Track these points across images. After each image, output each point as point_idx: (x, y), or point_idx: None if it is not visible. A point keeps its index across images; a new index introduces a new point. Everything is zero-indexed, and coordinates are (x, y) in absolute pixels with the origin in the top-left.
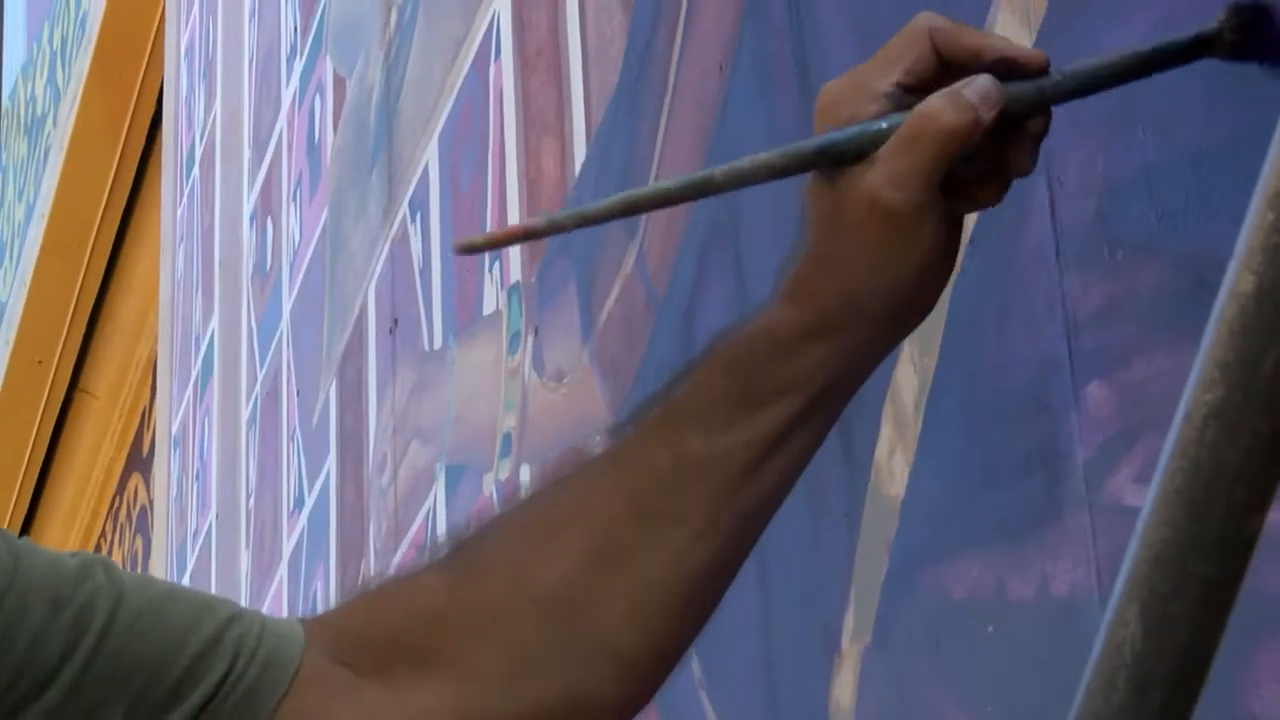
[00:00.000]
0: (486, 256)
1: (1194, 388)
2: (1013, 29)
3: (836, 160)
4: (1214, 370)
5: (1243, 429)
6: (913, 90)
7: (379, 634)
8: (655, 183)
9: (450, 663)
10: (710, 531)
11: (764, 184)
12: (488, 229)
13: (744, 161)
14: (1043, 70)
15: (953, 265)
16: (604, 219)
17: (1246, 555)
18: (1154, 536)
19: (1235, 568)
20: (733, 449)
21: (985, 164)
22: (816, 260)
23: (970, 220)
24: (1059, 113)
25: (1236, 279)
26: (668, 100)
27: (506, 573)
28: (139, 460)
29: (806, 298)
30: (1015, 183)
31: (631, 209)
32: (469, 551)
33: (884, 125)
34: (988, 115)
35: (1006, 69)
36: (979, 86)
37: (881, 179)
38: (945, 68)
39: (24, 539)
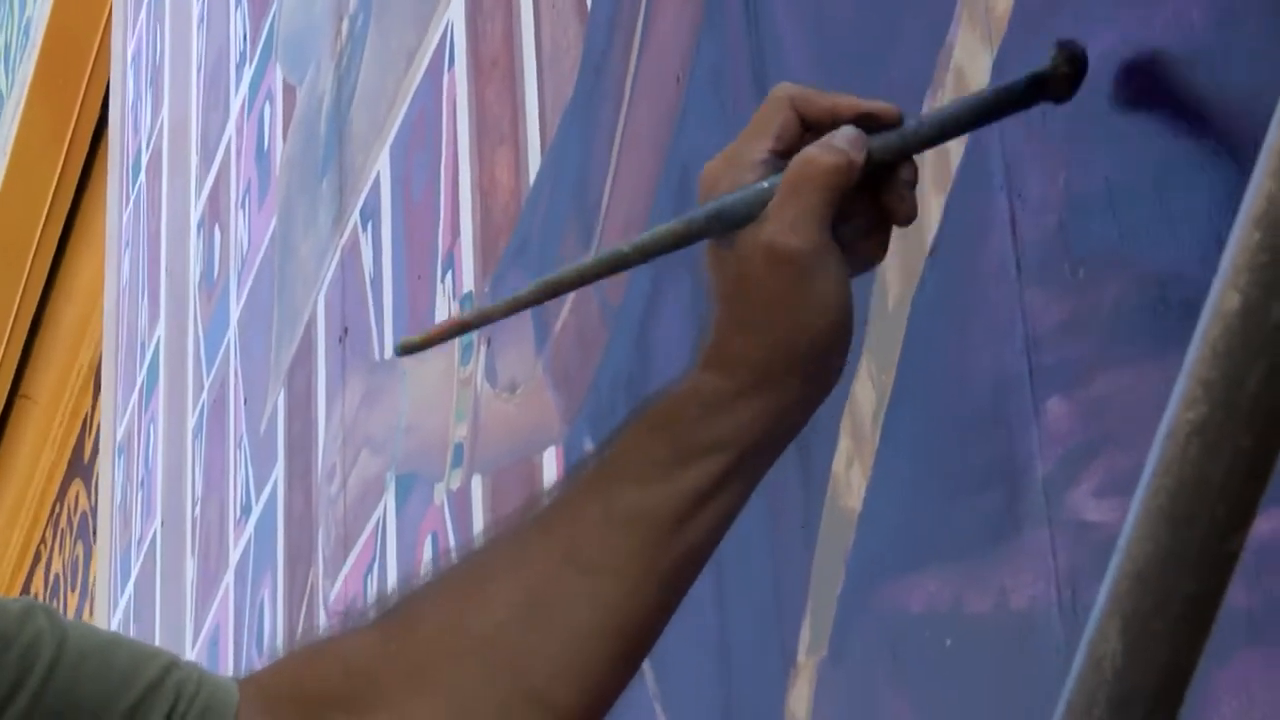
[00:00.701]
0: (439, 266)
1: (1177, 405)
2: (972, 47)
3: (729, 223)
4: (1197, 388)
5: (1226, 446)
6: (784, 155)
7: (311, 689)
8: (573, 263)
9: (385, 710)
10: (642, 582)
11: (670, 254)
12: (440, 238)
13: (646, 235)
14: (898, 121)
15: (852, 320)
16: (531, 303)
17: (1228, 572)
18: (1136, 553)
19: (1216, 584)
20: (663, 502)
21: (865, 221)
22: (729, 324)
23: (930, 233)
24: (1020, 128)
25: (1221, 298)
26: (624, 111)
27: (439, 622)
28: (80, 466)
29: (727, 363)
30: (977, 197)
31: (554, 290)
32: (400, 608)
33: (765, 185)
34: (858, 155)
35: (866, 123)
36: (843, 132)
37: (776, 228)
38: (808, 130)
39: None
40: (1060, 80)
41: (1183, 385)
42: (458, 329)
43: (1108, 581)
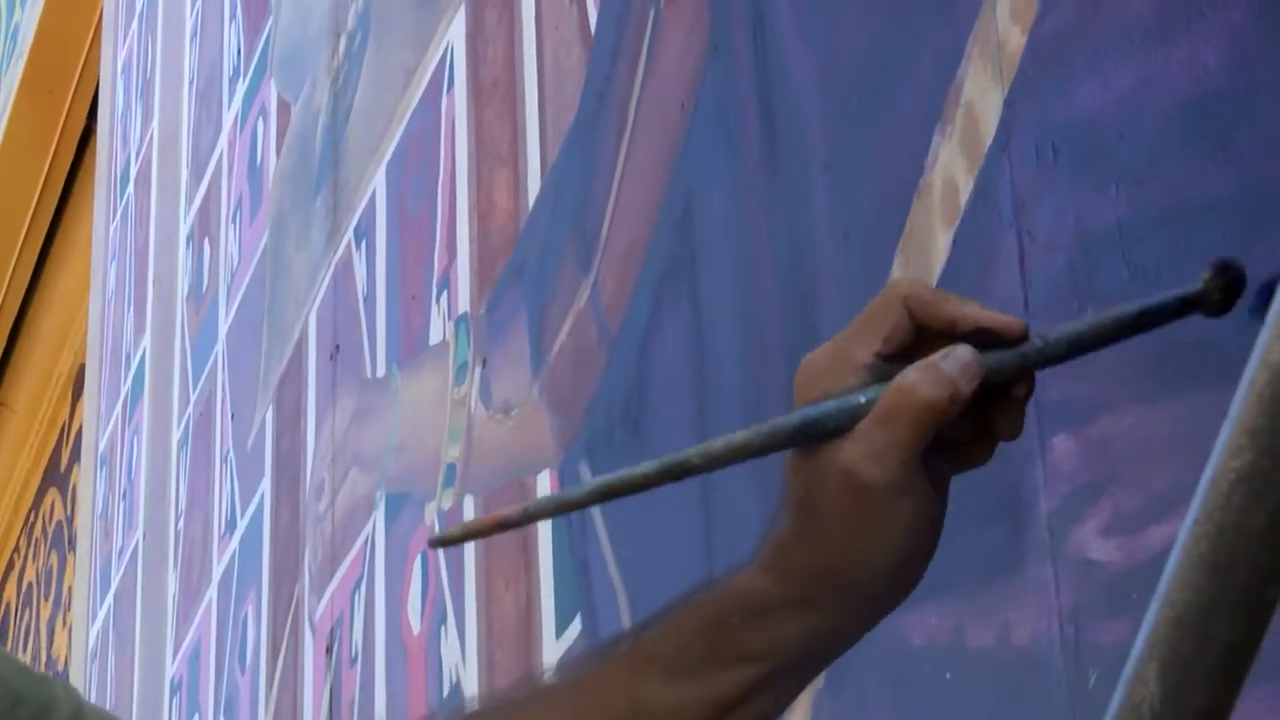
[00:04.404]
0: (434, 286)
1: (1221, 453)
2: (983, 84)
3: (817, 436)
4: (1243, 437)
5: (1270, 495)
6: (892, 359)
7: None
8: (633, 468)
9: None
10: None
11: (742, 463)
12: (436, 258)
13: (719, 442)
14: (1022, 338)
15: (937, 539)
16: (580, 505)
17: (1266, 620)
18: (1176, 598)
19: (1254, 632)
20: (691, 704)
21: (971, 425)
22: (795, 534)
23: (938, 267)
24: (1031, 165)
25: (1268, 348)
26: (627, 136)
27: None
28: (56, 475)
29: (784, 570)
30: (985, 233)
31: (608, 495)
32: None
33: (862, 400)
34: (967, 388)
35: (985, 338)
36: (957, 359)
37: (859, 454)
38: (923, 333)
39: None
40: (1215, 304)
41: (1227, 433)
42: (498, 527)
43: (1146, 625)
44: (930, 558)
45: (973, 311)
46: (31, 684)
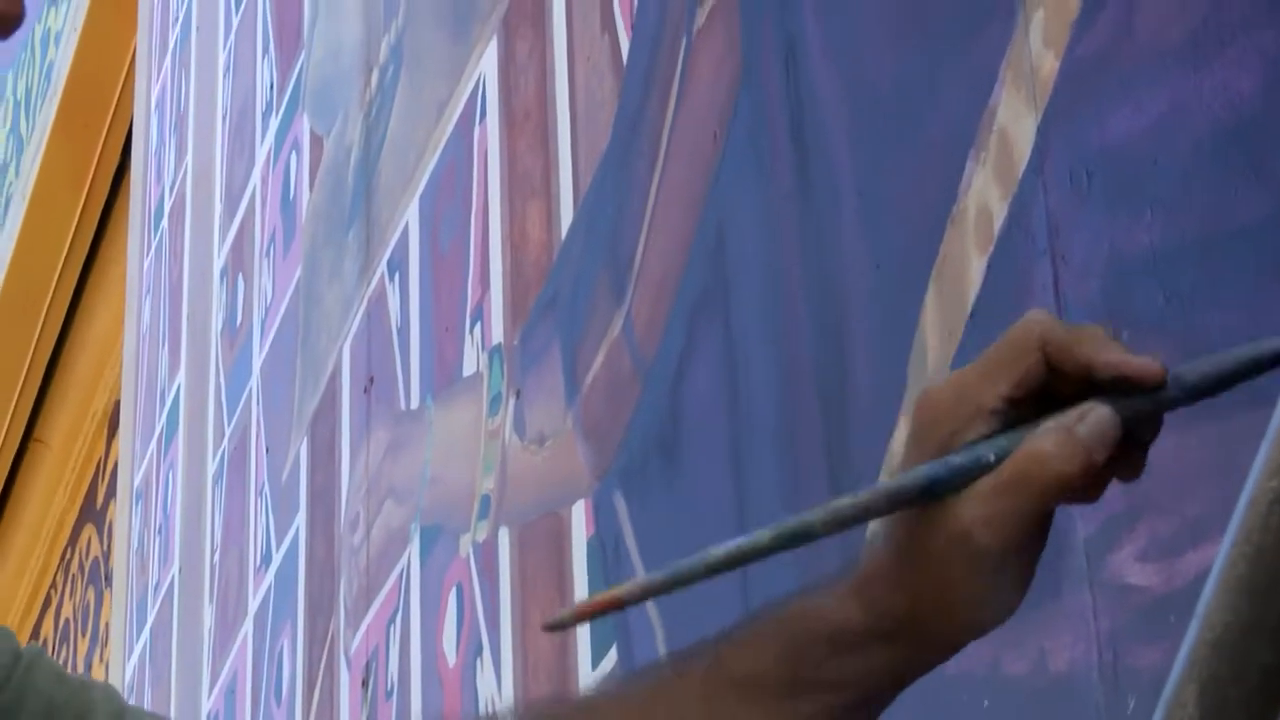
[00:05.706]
0: (468, 318)
1: (1259, 474)
2: (1017, 109)
3: (940, 495)
4: None
5: None
6: (1022, 402)
7: None
8: (749, 536)
9: None
10: None
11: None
12: (469, 289)
13: (845, 502)
14: (1161, 385)
15: (1030, 582)
16: (700, 578)
17: None
18: (1215, 621)
19: None
20: None
21: None
22: (891, 571)
23: (971, 294)
24: (1065, 191)
25: None
26: (659, 166)
27: None
28: (92, 511)
29: (873, 602)
30: (1019, 259)
31: (723, 567)
32: None
33: (991, 458)
34: (1101, 456)
35: (1122, 384)
36: (1096, 425)
37: (977, 518)
38: (1054, 374)
39: (37, 647)
40: None
41: (1265, 454)
42: (613, 604)
43: (1185, 647)
44: (1021, 600)
45: (1113, 358)
46: (68, 691)
